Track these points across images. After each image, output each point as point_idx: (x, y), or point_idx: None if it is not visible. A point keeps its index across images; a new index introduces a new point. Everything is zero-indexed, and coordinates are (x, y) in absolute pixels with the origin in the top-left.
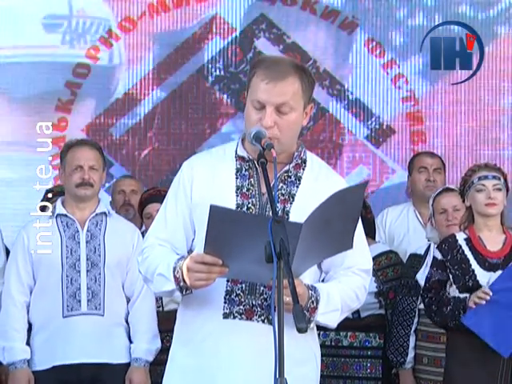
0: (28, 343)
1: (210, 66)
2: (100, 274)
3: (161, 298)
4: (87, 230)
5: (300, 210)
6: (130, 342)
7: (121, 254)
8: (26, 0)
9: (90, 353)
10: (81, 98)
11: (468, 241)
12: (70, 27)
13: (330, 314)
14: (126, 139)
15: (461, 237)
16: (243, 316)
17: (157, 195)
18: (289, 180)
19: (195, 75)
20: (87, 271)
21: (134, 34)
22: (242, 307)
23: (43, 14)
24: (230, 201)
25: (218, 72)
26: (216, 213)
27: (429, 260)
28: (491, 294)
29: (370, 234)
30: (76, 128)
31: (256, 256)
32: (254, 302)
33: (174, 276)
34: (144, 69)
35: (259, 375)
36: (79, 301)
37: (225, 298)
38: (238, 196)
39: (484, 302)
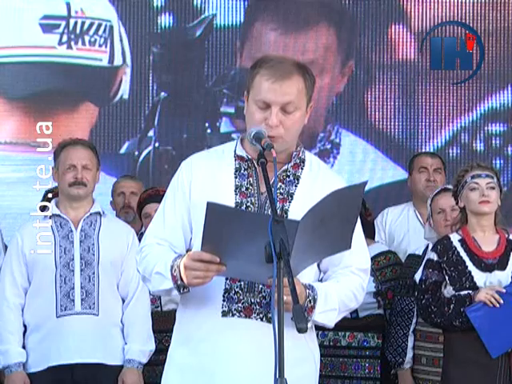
0: (23, 345)
1: (210, 65)
2: (94, 273)
3: (159, 298)
4: (81, 230)
5: (299, 209)
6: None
7: (115, 253)
8: (24, 0)
9: (84, 353)
10: (80, 99)
11: (462, 242)
12: (67, 28)
13: (327, 313)
14: (126, 139)
15: (455, 238)
16: (242, 314)
17: (156, 195)
18: (287, 179)
19: (195, 75)
20: (81, 270)
21: (134, 34)
22: (240, 305)
23: (41, 14)
24: (228, 200)
25: (218, 72)
26: (213, 210)
27: None
28: (502, 301)
29: (370, 235)
30: (75, 129)
31: (254, 254)
32: (252, 300)
33: (172, 274)
34: (144, 69)
35: (258, 373)
36: (73, 300)
37: (223, 296)
38: (236, 195)
39: (491, 305)
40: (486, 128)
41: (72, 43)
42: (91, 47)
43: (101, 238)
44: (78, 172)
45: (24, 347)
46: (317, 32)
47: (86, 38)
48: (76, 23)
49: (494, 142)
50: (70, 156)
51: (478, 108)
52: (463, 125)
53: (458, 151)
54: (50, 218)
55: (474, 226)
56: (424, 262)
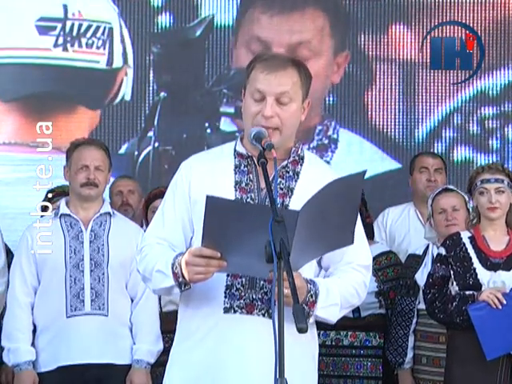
0: (33, 344)
1: (209, 65)
2: (103, 273)
3: (159, 299)
4: (91, 230)
5: (299, 204)
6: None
7: (124, 254)
8: (20, 1)
9: (94, 353)
10: (75, 101)
11: (472, 239)
12: (63, 30)
13: (329, 308)
14: (125, 139)
15: (465, 235)
16: (244, 310)
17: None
18: (287, 175)
19: (195, 75)
20: (91, 271)
21: (134, 34)
22: (242, 301)
23: (37, 16)
24: (228, 196)
25: (218, 72)
26: (213, 203)
27: (427, 260)
28: (505, 302)
29: (369, 236)
30: (72, 130)
31: (255, 248)
32: (254, 296)
33: (173, 272)
34: (144, 69)
35: (261, 369)
36: (83, 301)
37: (225, 293)
38: (236, 191)
39: (494, 307)
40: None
41: (68, 45)
42: (88, 49)
43: (110, 238)
44: (90, 172)
45: (34, 347)
46: (311, 15)
47: (83, 41)
48: (73, 25)
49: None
50: (84, 156)
51: (471, 94)
52: (456, 107)
53: (453, 134)
54: (61, 217)
55: (485, 224)
56: (435, 256)
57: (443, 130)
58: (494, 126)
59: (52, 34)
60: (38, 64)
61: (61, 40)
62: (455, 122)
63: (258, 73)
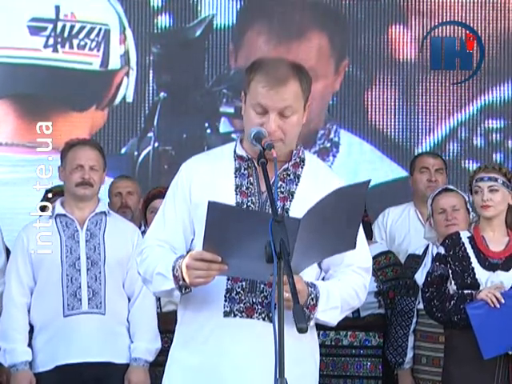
0: (30, 345)
1: (209, 65)
2: (100, 272)
3: (158, 299)
4: (87, 229)
5: (299, 208)
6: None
7: (121, 252)
8: (13, 2)
9: (92, 352)
10: (72, 102)
11: (471, 239)
12: (54, 31)
13: (329, 311)
14: (125, 139)
15: (464, 235)
16: (244, 314)
17: (164, 193)
18: (288, 178)
19: (195, 75)
20: (87, 270)
21: (134, 35)
22: (242, 305)
23: (30, 16)
24: (229, 199)
25: (217, 72)
26: (214, 209)
27: (427, 260)
28: (503, 301)
29: (368, 235)
30: (75, 130)
31: (255, 253)
32: (254, 300)
33: (174, 275)
34: (143, 69)
35: (261, 373)
36: (80, 299)
37: (225, 297)
38: (237, 194)
39: (492, 305)
40: (484, 123)
41: (58, 46)
42: (79, 51)
43: (106, 237)
44: (85, 172)
45: (31, 347)
46: (309, 40)
47: (75, 42)
48: (64, 26)
49: (493, 136)
50: (79, 156)
51: (476, 105)
52: (462, 120)
53: (457, 146)
54: (56, 217)
55: (484, 225)
56: (434, 255)
57: (442, 130)
58: (498, 136)
59: (42, 34)
60: (28, 64)
61: (51, 41)
62: (456, 124)
63: (260, 87)
